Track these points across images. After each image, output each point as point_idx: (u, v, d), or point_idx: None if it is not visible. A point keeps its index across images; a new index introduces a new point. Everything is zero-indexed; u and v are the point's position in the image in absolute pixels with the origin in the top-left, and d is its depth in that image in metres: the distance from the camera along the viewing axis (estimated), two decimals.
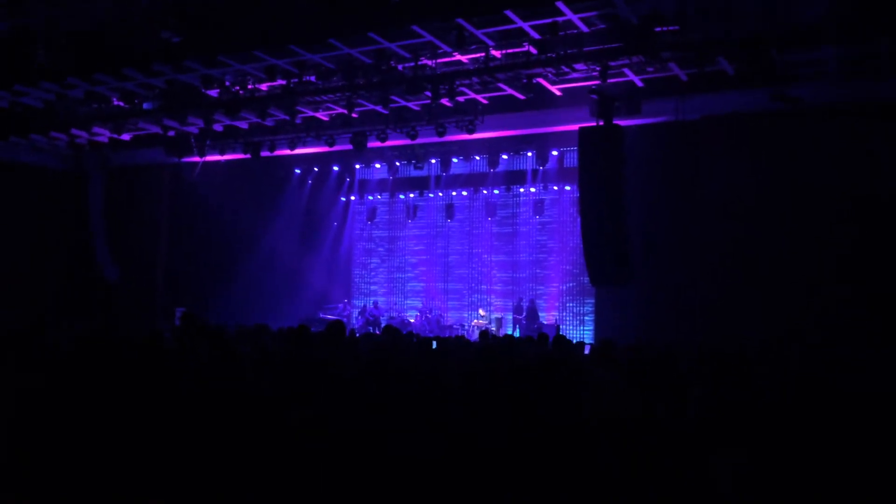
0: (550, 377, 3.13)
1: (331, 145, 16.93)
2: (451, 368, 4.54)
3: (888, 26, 10.57)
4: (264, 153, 17.67)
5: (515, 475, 3.22)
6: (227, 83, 15.11)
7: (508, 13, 11.60)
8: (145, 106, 16.18)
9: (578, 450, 3.16)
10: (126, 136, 18.04)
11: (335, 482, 3.66)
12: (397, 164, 19.73)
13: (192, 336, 4.96)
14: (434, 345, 6.09)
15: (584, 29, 12.21)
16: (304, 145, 17.39)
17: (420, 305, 20.54)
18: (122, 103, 16.20)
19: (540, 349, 6.88)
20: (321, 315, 18.89)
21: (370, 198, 21.95)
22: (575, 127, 14.28)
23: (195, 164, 19.14)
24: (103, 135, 18.15)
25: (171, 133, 17.64)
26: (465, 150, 18.47)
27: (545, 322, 18.23)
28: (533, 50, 12.67)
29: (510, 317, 18.86)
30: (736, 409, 3.36)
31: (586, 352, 8.29)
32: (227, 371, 4.03)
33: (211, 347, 4.26)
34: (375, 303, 20.74)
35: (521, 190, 19.93)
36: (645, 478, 3.13)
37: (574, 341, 10.09)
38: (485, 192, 20.29)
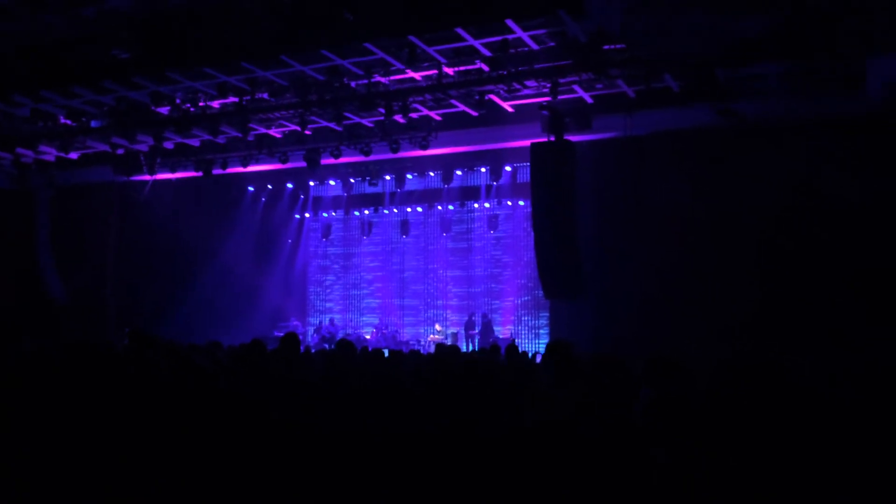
0: (484, 379, 3.23)
1: (284, 162, 16.88)
2: (401, 375, 4.59)
3: (825, 43, 11.00)
4: (216, 171, 17.52)
5: (460, 472, 3.28)
6: (178, 100, 14.98)
7: (460, 31, 11.77)
8: (93, 124, 15.94)
9: (516, 449, 3.24)
10: (74, 155, 17.72)
11: (291, 485, 3.68)
12: (351, 180, 19.74)
13: (140, 351, 4.92)
14: (386, 353, 6.14)
15: (535, 47, 12.45)
16: (257, 162, 17.31)
17: (376, 322, 20.50)
18: (69, 121, 15.92)
19: (487, 358, 6.98)
20: (276, 333, 18.71)
21: (325, 215, 21.87)
22: (527, 143, 14.52)
23: (145, 182, 18.87)
24: (50, 153, 17.79)
25: (120, 151, 17.39)
26: (420, 166, 18.55)
27: (500, 336, 18.34)
28: (485, 67, 12.87)
29: None
30: (678, 409, 3.49)
31: (538, 361, 8.40)
32: (180, 383, 4.01)
33: (161, 359, 4.25)
34: (332, 319, 20.63)
35: (476, 205, 20.08)
36: (584, 478, 3.22)
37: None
38: (439, 207, 20.39)
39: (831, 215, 13.06)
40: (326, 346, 18.54)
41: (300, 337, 20.06)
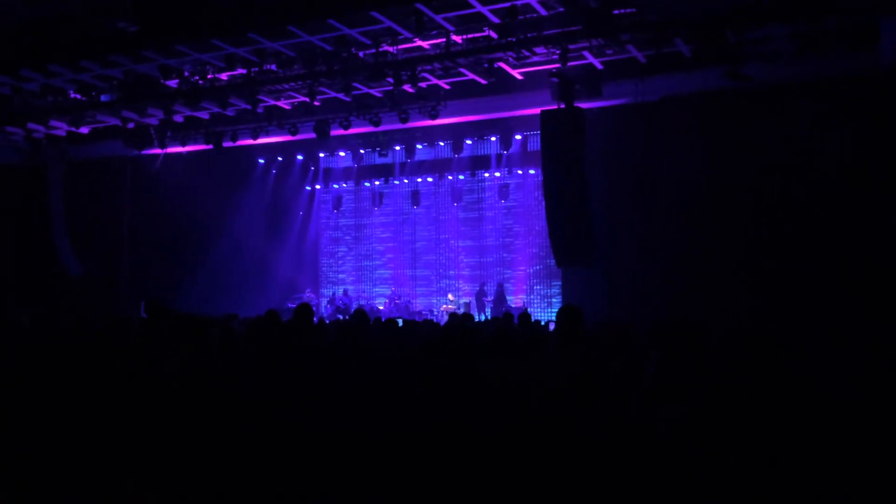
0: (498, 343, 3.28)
1: (294, 134, 16.86)
2: (415, 342, 4.63)
3: (837, 3, 10.82)
4: (227, 143, 17.53)
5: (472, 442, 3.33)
6: (187, 73, 14.96)
7: None
8: (103, 98, 15.95)
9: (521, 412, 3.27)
10: (84, 130, 17.77)
11: (305, 460, 3.74)
12: (361, 151, 19.70)
13: (157, 321, 4.98)
14: (400, 322, 6.19)
15: (543, 12, 12.31)
16: (267, 134, 17.30)
17: (389, 292, 20.58)
18: (79, 96, 15.94)
19: (500, 325, 7.03)
20: (289, 305, 18.84)
21: (335, 186, 21.88)
22: (537, 110, 14.42)
23: (156, 155, 18.92)
24: (61, 128, 17.85)
25: (131, 125, 17.41)
26: (429, 136, 18.50)
27: (513, 305, 18.39)
28: (493, 34, 12.74)
29: None
30: (685, 374, 3.52)
31: (551, 329, 8.45)
32: (197, 353, 4.06)
33: (179, 330, 4.29)
34: (346, 291, 20.70)
35: (486, 175, 20.03)
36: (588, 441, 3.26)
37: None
38: (450, 177, 20.34)
39: (841, 179, 12.91)
40: (340, 316, 18.66)
41: (314, 308, 20.29)
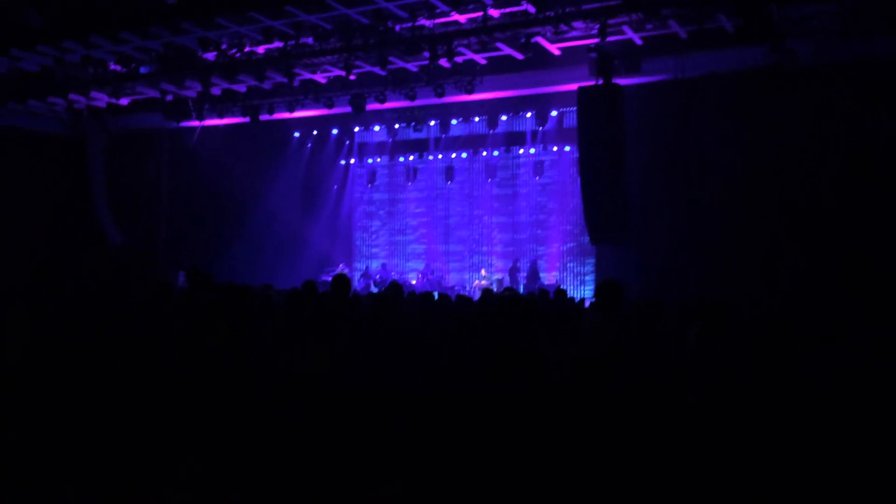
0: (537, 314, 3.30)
1: (330, 108, 16.92)
2: (449, 314, 4.66)
3: None
4: (263, 116, 17.65)
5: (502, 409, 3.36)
6: (224, 46, 15.04)
7: None
8: (142, 70, 16.12)
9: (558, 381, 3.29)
10: (124, 101, 17.98)
11: (339, 432, 3.80)
12: (396, 126, 19.68)
13: (198, 289, 5.07)
14: (436, 295, 6.24)
15: None
16: (303, 108, 17.37)
17: (421, 267, 20.64)
18: (119, 67, 16.13)
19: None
20: (323, 278, 19.00)
21: (370, 161, 21.91)
22: (574, 86, 14.25)
23: (194, 128, 19.12)
24: (101, 100, 18.11)
25: (169, 97, 17.60)
26: (465, 111, 18.41)
27: (546, 282, 18.35)
28: (531, 8, 12.60)
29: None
30: (718, 348, 3.51)
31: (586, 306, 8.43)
32: (241, 319, 4.13)
33: (224, 297, 4.36)
34: (384, 265, 20.74)
35: (521, 151, 19.91)
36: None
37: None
38: (484, 153, 20.26)
39: (883, 160, 12.60)
40: (376, 290, 18.77)
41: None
